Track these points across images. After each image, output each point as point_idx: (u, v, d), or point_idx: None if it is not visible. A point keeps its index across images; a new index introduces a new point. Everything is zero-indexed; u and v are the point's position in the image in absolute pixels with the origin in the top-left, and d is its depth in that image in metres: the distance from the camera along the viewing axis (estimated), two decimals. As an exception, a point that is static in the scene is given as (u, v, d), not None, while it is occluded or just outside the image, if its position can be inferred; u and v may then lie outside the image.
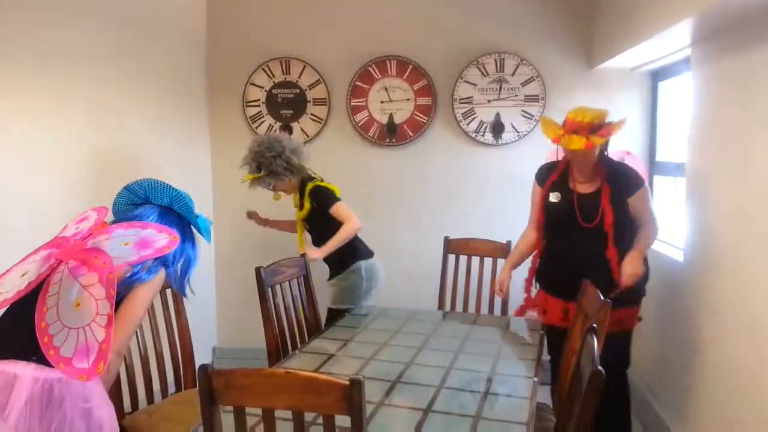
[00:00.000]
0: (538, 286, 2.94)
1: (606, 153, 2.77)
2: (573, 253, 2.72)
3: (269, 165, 3.14)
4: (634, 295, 2.71)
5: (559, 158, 2.84)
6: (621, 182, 2.67)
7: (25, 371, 1.66)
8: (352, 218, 3.13)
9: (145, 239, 1.82)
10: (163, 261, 1.89)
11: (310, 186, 3.22)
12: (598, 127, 2.55)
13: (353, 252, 3.22)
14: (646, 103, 3.83)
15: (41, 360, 1.67)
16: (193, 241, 2.07)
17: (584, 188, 2.73)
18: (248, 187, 3.28)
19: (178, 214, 2.04)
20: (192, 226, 2.08)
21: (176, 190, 2.06)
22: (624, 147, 3.33)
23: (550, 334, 2.81)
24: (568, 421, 1.76)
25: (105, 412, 1.79)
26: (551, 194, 2.80)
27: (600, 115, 2.59)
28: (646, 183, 2.78)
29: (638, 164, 3.05)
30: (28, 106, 2.61)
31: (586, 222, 2.67)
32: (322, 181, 3.29)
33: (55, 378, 1.67)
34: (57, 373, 1.67)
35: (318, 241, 3.23)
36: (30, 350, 1.69)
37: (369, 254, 3.31)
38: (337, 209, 3.15)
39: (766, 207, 2.19)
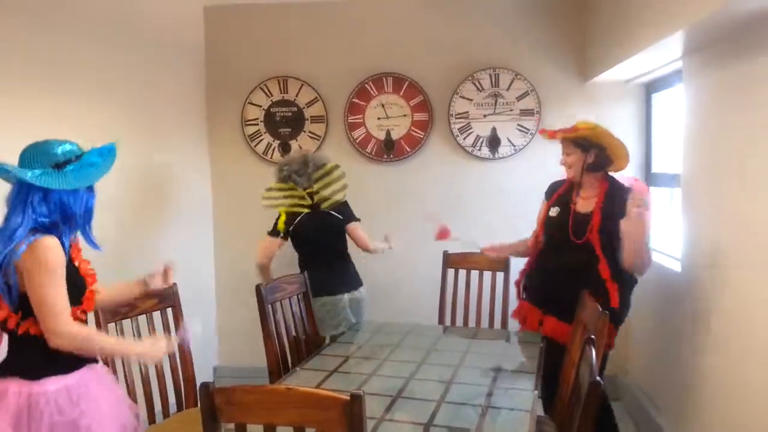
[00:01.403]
0: (524, 295, 2.99)
1: (609, 174, 2.78)
2: (559, 267, 2.76)
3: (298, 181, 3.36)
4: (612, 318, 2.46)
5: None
6: (618, 202, 2.66)
7: (9, 386, 1.74)
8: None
9: None
10: (41, 229, 1.76)
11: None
12: (569, 131, 2.72)
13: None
14: (640, 115, 3.87)
15: (24, 375, 1.76)
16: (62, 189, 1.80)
17: (583, 206, 2.76)
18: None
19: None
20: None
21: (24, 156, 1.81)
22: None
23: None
24: (569, 433, 1.77)
25: (93, 421, 1.82)
26: (552, 209, 2.86)
27: (586, 127, 2.69)
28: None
29: (642, 190, 2.88)
30: (22, 125, 2.62)
31: (577, 238, 2.69)
32: None
33: (38, 391, 1.75)
34: (40, 387, 1.76)
35: None
36: (11, 366, 1.79)
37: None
38: None
39: (760, 216, 2.21)
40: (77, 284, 1.87)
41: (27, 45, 2.66)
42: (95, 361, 1.95)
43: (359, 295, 3.30)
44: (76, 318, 1.82)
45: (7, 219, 1.78)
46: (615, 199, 2.69)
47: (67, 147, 1.84)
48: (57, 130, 2.71)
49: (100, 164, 1.86)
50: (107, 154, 1.90)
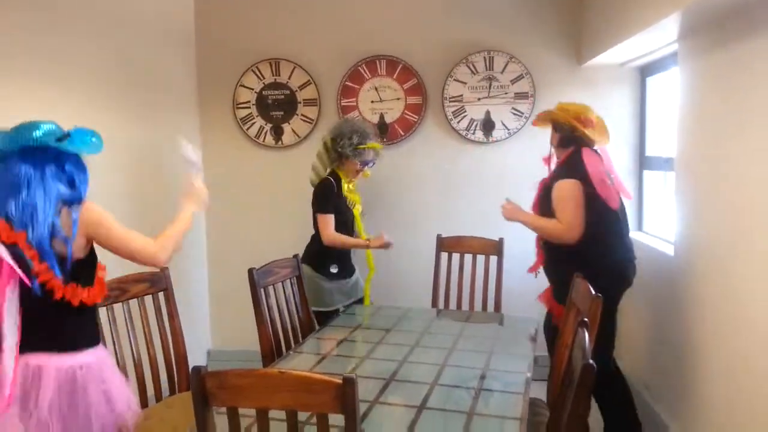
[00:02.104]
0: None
1: (579, 152, 2.78)
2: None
3: None
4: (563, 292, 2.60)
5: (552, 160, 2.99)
6: (554, 175, 2.84)
7: (49, 362, 1.79)
8: None
9: None
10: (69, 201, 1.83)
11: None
12: (540, 114, 2.94)
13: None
14: (635, 99, 3.85)
15: (61, 349, 1.81)
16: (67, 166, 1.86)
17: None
18: (372, 156, 3.31)
19: (39, 148, 1.81)
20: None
21: (19, 128, 1.81)
22: (614, 142, 3.33)
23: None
24: (562, 415, 1.77)
25: (118, 388, 1.94)
26: None
27: (558, 108, 2.87)
28: (577, 182, 2.68)
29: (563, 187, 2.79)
30: (12, 112, 2.58)
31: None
32: None
33: (76, 365, 1.82)
34: (77, 359, 1.83)
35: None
36: (48, 341, 1.82)
37: None
38: None
39: (754, 200, 2.21)
40: (92, 263, 1.91)
41: (11, 34, 2.60)
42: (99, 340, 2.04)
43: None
44: (77, 299, 1.83)
45: (24, 194, 1.76)
46: (557, 175, 2.79)
47: (52, 125, 1.84)
48: (45, 112, 2.67)
49: (90, 143, 1.87)
50: (91, 134, 1.90)
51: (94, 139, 1.88)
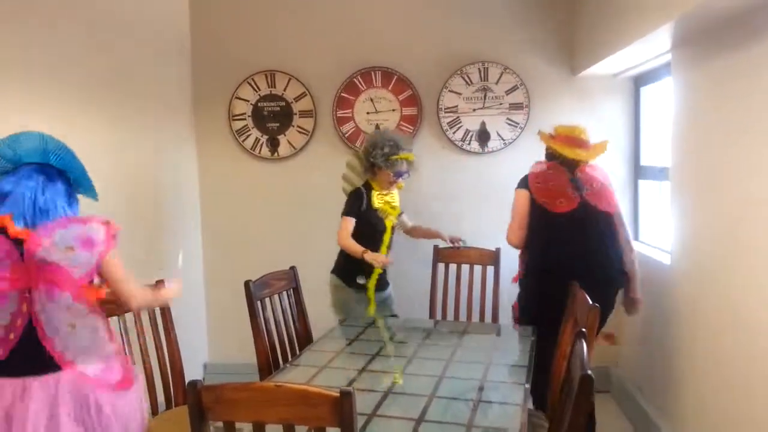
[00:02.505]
0: None
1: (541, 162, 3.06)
2: None
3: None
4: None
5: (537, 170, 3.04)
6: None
7: (65, 382, 1.83)
8: None
9: (84, 237, 1.87)
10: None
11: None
12: (586, 142, 2.96)
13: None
14: (629, 109, 3.87)
15: (76, 370, 1.86)
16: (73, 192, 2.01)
17: None
18: (405, 167, 3.26)
19: (56, 168, 1.94)
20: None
21: (44, 138, 1.95)
22: (609, 152, 3.34)
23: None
24: (560, 426, 1.76)
25: (134, 408, 1.97)
26: None
27: (584, 131, 2.98)
28: (522, 188, 2.98)
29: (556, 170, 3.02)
30: (10, 117, 2.58)
31: None
32: None
33: (90, 386, 1.86)
34: (92, 381, 1.87)
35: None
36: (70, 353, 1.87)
37: None
38: None
39: (750, 208, 2.21)
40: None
41: (9, 34, 2.60)
42: None
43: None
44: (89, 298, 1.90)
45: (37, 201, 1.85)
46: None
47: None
48: (37, 129, 2.67)
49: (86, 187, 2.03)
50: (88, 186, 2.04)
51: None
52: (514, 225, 2.96)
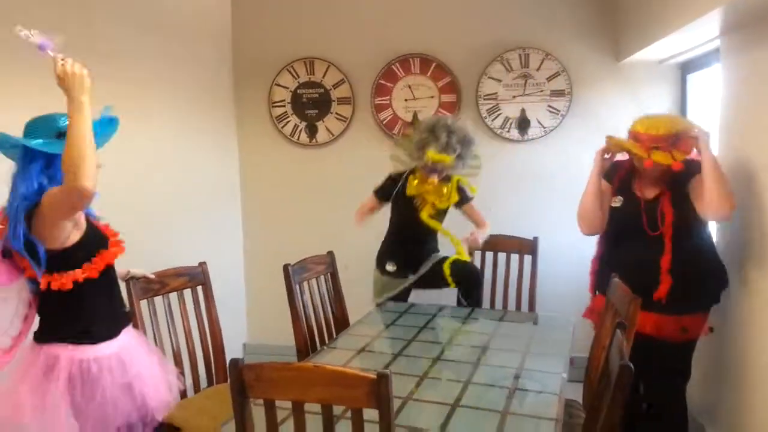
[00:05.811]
0: (597, 292, 2.81)
1: None
2: (635, 261, 2.53)
3: (464, 155, 3.05)
4: (704, 298, 2.51)
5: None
6: (680, 177, 2.49)
7: (64, 353, 1.85)
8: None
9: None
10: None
11: (456, 177, 3.18)
12: (675, 138, 2.44)
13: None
14: (675, 97, 3.76)
15: (76, 342, 1.87)
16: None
17: (649, 192, 2.58)
18: (432, 165, 2.98)
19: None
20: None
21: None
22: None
23: None
24: (598, 417, 1.75)
25: (148, 382, 1.95)
26: (614, 198, 2.67)
27: (672, 124, 2.48)
28: None
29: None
30: (54, 107, 2.66)
31: (651, 230, 2.51)
32: None
33: (90, 357, 1.86)
34: (92, 353, 1.87)
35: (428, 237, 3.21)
36: (65, 334, 1.88)
37: None
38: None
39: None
40: (97, 238, 1.95)
41: (54, 28, 2.67)
42: (130, 323, 2.07)
43: None
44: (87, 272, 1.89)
45: (12, 192, 1.85)
46: (676, 176, 2.48)
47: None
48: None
49: (99, 134, 1.88)
50: (108, 124, 1.96)
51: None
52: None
